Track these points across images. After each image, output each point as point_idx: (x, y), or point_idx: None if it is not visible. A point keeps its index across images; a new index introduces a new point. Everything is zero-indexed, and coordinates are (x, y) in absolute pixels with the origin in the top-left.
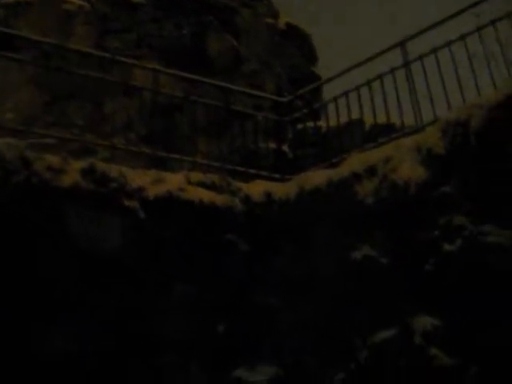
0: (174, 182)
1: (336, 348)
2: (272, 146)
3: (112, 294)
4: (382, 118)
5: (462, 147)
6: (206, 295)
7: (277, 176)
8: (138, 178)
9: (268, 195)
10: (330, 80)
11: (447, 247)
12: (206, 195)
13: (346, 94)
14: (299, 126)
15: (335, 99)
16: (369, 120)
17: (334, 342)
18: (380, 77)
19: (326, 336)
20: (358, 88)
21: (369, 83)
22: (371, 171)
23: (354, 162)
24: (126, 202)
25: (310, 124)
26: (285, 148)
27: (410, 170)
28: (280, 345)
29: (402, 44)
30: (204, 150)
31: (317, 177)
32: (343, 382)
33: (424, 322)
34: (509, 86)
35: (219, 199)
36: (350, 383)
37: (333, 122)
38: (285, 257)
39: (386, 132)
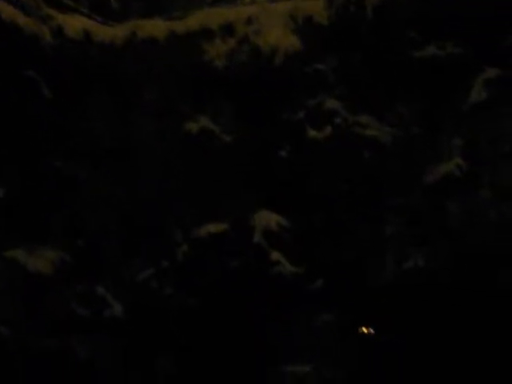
0: None
1: (148, 238)
2: None
3: None
4: None
5: (352, 21)
6: None
7: (99, 19)
8: None
9: (87, 34)
10: None
11: (312, 134)
12: (7, 10)
13: None
14: None
15: None
16: None
17: (145, 230)
18: None
19: (137, 221)
20: None
21: None
22: (228, 30)
23: (206, 17)
24: None
25: None
26: None
27: (279, 37)
28: (74, 225)
29: None
30: None
31: (153, 26)
32: (149, 280)
33: (267, 219)
34: None
35: (24, 21)
36: (158, 282)
37: None
38: (99, 113)
39: None
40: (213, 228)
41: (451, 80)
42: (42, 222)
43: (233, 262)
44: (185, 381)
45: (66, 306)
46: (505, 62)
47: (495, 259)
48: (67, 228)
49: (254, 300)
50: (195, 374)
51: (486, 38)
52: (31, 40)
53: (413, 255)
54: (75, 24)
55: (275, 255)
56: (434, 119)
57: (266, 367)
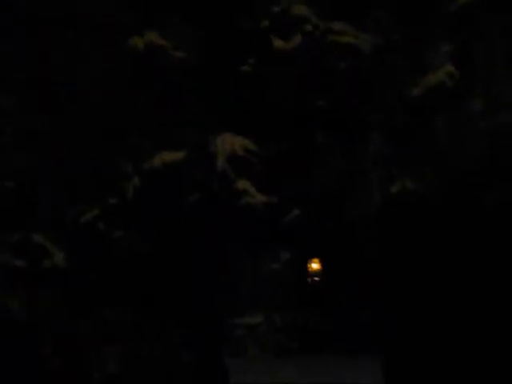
0: None
1: (92, 174)
2: None
3: None
4: None
5: None
6: None
7: None
8: None
9: None
10: None
11: (279, 44)
12: None
13: None
14: None
15: None
16: None
17: (87, 165)
18: None
19: (76, 156)
20: None
21: None
22: None
23: None
24: None
25: None
26: None
27: None
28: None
29: None
30: None
31: None
32: (94, 222)
33: (231, 142)
34: None
35: None
36: (106, 224)
37: None
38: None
39: None
40: (168, 156)
41: None
42: None
43: (192, 195)
44: (141, 329)
45: None
46: None
47: (484, 175)
48: None
49: (217, 240)
50: (152, 323)
51: None
52: None
53: (400, 177)
54: None
55: (242, 184)
56: (418, 23)
57: (222, 317)
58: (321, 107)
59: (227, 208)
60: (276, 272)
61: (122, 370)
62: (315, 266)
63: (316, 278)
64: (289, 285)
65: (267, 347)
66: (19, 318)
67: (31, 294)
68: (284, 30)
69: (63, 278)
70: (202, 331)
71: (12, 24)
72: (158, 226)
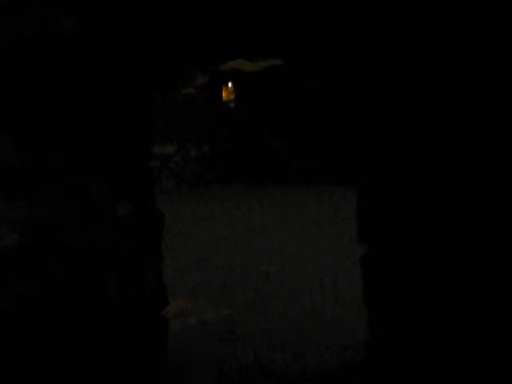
0: None
1: None
2: None
3: None
4: None
5: None
6: None
7: None
8: None
9: None
10: None
11: None
12: None
13: None
14: None
15: None
16: None
17: None
18: None
19: None
20: None
21: None
22: None
23: None
24: None
25: None
26: None
27: None
28: None
29: None
30: None
31: None
32: None
33: None
34: None
35: None
36: None
37: None
38: None
39: None
40: None
41: None
42: None
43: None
44: None
45: None
46: None
47: None
48: None
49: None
50: None
51: None
52: None
53: None
54: None
55: None
56: None
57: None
58: None
59: None
60: (189, 97)
61: None
62: (230, 89)
63: (231, 97)
64: (203, 111)
65: (183, 179)
66: None
67: None
68: None
69: None
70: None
71: None
72: None
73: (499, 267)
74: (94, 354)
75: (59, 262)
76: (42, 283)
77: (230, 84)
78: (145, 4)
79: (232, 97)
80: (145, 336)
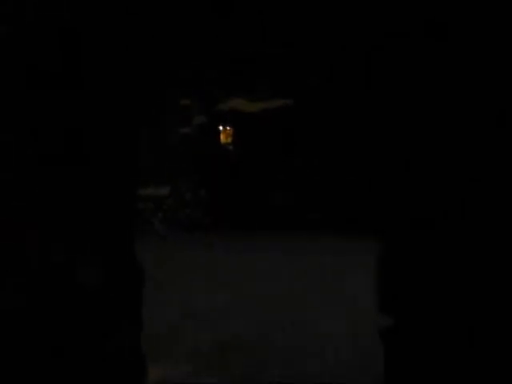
0: None
1: None
2: None
3: None
4: None
5: None
6: None
7: None
8: None
9: None
10: None
11: None
12: None
13: None
14: None
15: None
16: None
17: None
18: None
19: None
20: None
21: None
22: None
23: None
24: None
25: None
26: None
27: None
28: None
29: None
30: None
31: None
32: None
33: None
34: None
35: None
36: None
37: None
38: None
39: None
40: None
41: None
42: None
43: None
44: None
45: None
46: None
47: None
48: None
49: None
50: None
51: None
52: None
53: None
54: None
55: None
56: None
57: None
58: None
59: None
60: (186, 137)
61: None
62: (229, 131)
63: (229, 140)
64: (199, 152)
65: (176, 223)
66: None
67: None
68: None
69: None
70: None
71: None
72: None
73: None
74: None
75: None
76: None
77: (228, 128)
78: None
79: (230, 140)
80: None
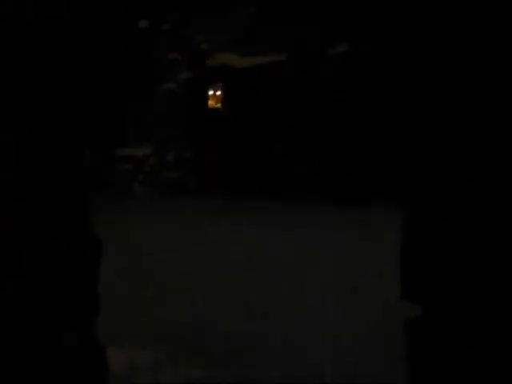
0: None
1: None
2: None
3: None
4: None
5: None
6: None
7: None
8: None
9: None
10: None
11: None
12: None
13: None
14: None
15: None
16: None
17: None
18: None
19: None
20: None
21: None
22: None
23: None
24: None
25: None
26: None
27: None
28: None
29: None
30: None
31: None
32: None
33: None
34: None
35: None
36: None
37: None
38: None
39: None
40: None
41: None
42: None
43: None
44: None
45: None
46: None
47: None
48: None
49: None
50: None
51: None
52: None
53: None
54: None
55: None
56: None
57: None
58: None
59: None
60: (171, 93)
61: None
62: (218, 96)
63: (218, 105)
64: (185, 110)
65: (157, 185)
66: None
67: None
68: None
69: None
70: None
71: None
72: None
73: None
74: None
75: None
76: None
77: (218, 91)
78: None
79: (219, 105)
80: None
